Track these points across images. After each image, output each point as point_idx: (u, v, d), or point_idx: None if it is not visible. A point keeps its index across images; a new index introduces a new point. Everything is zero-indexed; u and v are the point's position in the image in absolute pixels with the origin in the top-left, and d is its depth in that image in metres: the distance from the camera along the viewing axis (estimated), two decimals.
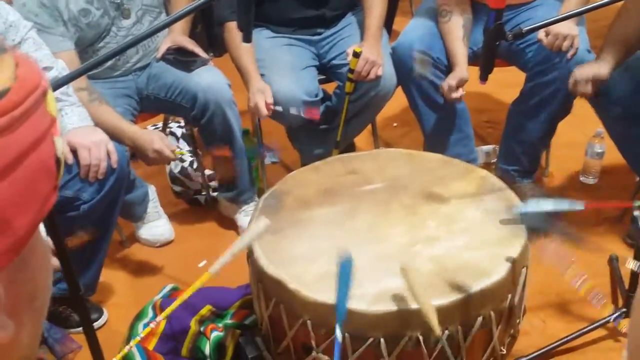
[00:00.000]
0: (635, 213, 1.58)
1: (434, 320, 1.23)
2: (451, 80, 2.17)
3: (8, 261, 0.44)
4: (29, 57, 0.48)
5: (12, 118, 0.42)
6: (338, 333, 1.09)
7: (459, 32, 2.23)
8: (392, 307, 1.34)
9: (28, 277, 0.48)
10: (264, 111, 2.16)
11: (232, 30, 2.24)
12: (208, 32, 3.74)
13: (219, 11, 2.29)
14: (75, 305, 1.63)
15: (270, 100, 2.17)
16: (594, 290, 1.67)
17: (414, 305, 1.33)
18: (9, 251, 0.43)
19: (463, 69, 2.18)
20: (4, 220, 0.42)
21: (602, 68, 1.99)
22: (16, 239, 0.44)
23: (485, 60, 1.44)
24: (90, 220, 1.85)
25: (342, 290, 1.10)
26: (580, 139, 2.59)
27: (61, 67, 1.81)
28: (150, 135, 2.02)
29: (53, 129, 0.47)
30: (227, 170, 2.43)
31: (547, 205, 1.48)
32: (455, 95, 2.16)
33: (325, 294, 1.35)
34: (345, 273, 1.10)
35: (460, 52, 2.21)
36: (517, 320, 1.55)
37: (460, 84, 2.16)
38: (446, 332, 1.35)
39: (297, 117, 2.21)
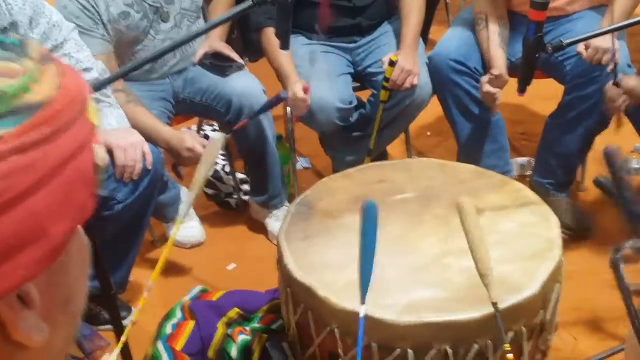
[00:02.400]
0: None
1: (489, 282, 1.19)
2: (493, 71, 2.14)
3: (44, 268, 0.44)
4: (72, 67, 0.49)
5: (54, 127, 0.43)
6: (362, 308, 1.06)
7: (496, 39, 2.21)
8: (421, 318, 1.33)
9: (64, 281, 0.49)
10: (301, 93, 2.16)
11: (270, 35, 2.25)
12: (244, 38, 3.77)
13: (256, 17, 2.31)
14: (105, 303, 1.66)
15: (308, 86, 2.17)
16: None
17: (443, 317, 1.31)
18: (45, 259, 0.44)
19: (503, 69, 2.16)
20: (40, 228, 0.42)
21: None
22: (52, 247, 0.44)
23: (524, 71, 1.43)
24: (123, 220, 1.88)
25: (370, 235, 1.09)
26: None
27: (101, 69, 1.84)
28: (182, 134, 2.05)
29: (93, 138, 0.47)
30: (258, 174, 2.43)
31: None
32: (492, 89, 2.13)
33: (354, 302, 1.33)
34: (370, 217, 1.08)
35: (499, 56, 2.19)
36: (548, 337, 1.52)
37: (500, 81, 2.13)
38: (475, 345, 1.33)
39: (332, 117, 2.23)
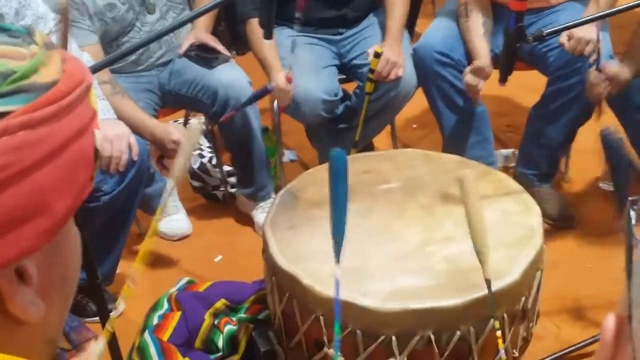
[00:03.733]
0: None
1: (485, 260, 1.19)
2: (476, 62, 2.15)
3: (45, 241, 0.47)
4: (72, 55, 0.52)
5: (59, 107, 0.46)
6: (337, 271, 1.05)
7: (479, 29, 2.23)
8: (405, 305, 1.34)
9: (61, 261, 0.51)
10: (284, 83, 2.18)
11: (255, 26, 2.25)
12: (231, 30, 3.77)
13: (242, 8, 2.31)
14: (92, 294, 1.66)
15: (291, 76, 2.18)
16: None
17: (427, 304, 1.33)
18: (47, 232, 0.46)
19: (486, 60, 2.17)
20: (45, 202, 0.45)
21: (624, 69, 1.97)
22: (54, 221, 0.47)
23: (505, 62, 1.44)
24: (110, 211, 1.88)
25: (341, 189, 1.03)
26: (601, 145, 2.57)
27: (86, 60, 1.84)
28: (169, 127, 2.07)
29: (94, 122, 0.50)
30: (245, 166, 2.44)
31: None
32: (474, 81, 2.14)
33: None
34: (339, 169, 1.03)
35: (482, 47, 2.20)
36: (531, 324, 1.55)
37: (482, 73, 2.15)
38: (458, 332, 1.35)
39: (318, 109, 2.24)
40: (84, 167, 0.49)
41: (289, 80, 2.17)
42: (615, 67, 1.97)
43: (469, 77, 2.15)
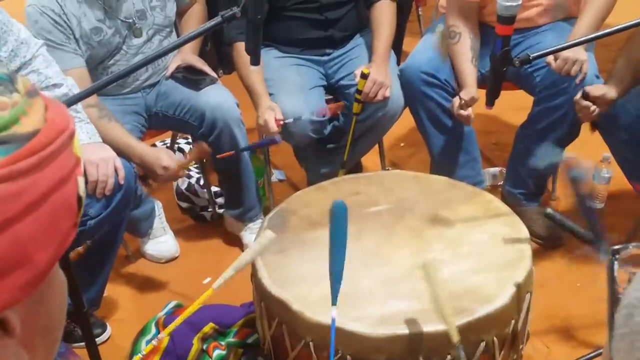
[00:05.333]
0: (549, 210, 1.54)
1: (452, 325, 1.22)
2: (463, 95, 2.16)
3: (27, 294, 0.46)
4: (56, 101, 0.51)
5: (40, 158, 0.45)
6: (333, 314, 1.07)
7: (468, 53, 2.24)
8: (396, 330, 1.34)
9: (45, 309, 0.50)
10: (274, 127, 2.17)
11: (241, 50, 2.25)
12: (218, 50, 3.77)
13: (228, 31, 2.31)
14: (78, 320, 1.64)
15: (280, 116, 2.18)
16: None
17: (417, 329, 1.33)
18: (29, 284, 0.45)
19: (473, 90, 2.18)
20: (25, 254, 0.44)
21: (610, 89, 1.99)
22: (35, 273, 0.46)
23: (492, 86, 1.45)
24: (96, 235, 1.86)
25: (340, 236, 1.08)
26: (587, 163, 2.59)
27: (71, 84, 1.83)
28: (158, 152, 2.03)
29: (77, 169, 0.49)
30: (233, 187, 2.43)
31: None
32: (464, 112, 2.16)
33: (329, 316, 1.35)
34: (340, 218, 1.07)
35: (470, 73, 2.21)
36: (521, 346, 1.54)
37: (471, 102, 2.16)
38: (448, 356, 1.35)
39: (306, 130, 2.23)
40: (67, 216, 0.48)
41: (278, 123, 2.16)
42: (600, 90, 1.98)
43: (459, 111, 2.16)
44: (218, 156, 2.20)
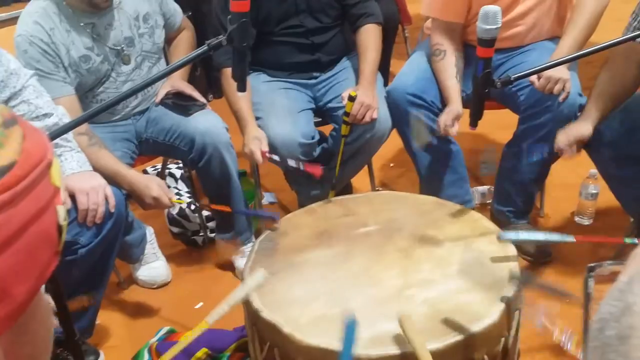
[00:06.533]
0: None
1: None
2: (447, 116, 2.18)
3: (6, 328, 0.45)
4: (35, 129, 0.50)
5: (14, 193, 0.44)
6: None
7: (452, 70, 2.27)
8: (386, 351, 1.34)
9: (27, 339, 0.50)
10: (259, 158, 2.18)
11: (229, 75, 2.28)
12: (208, 75, 3.81)
13: (217, 57, 2.34)
14: (71, 348, 1.64)
15: (266, 148, 2.19)
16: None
17: (408, 349, 1.33)
18: (8, 318, 0.44)
19: (458, 105, 2.21)
20: (2, 289, 0.43)
21: (584, 127, 2.02)
22: (15, 307, 0.45)
23: (474, 107, 1.47)
24: (87, 263, 1.86)
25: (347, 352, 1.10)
26: (575, 180, 2.61)
27: (61, 114, 1.85)
28: (149, 181, 2.03)
29: (56, 199, 0.48)
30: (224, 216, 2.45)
31: (538, 235, 1.51)
32: (451, 131, 2.18)
33: (320, 338, 1.36)
34: (350, 334, 1.11)
35: (453, 88, 2.24)
36: None
37: (456, 119, 2.19)
38: None
39: (295, 152, 2.25)
40: (46, 247, 0.47)
41: (263, 155, 2.18)
42: (576, 131, 2.02)
43: (447, 129, 2.18)
44: (213, 206, 2.23)
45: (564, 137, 2.03)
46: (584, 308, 1.29)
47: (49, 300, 0.54)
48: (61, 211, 0.49)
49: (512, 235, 1.53)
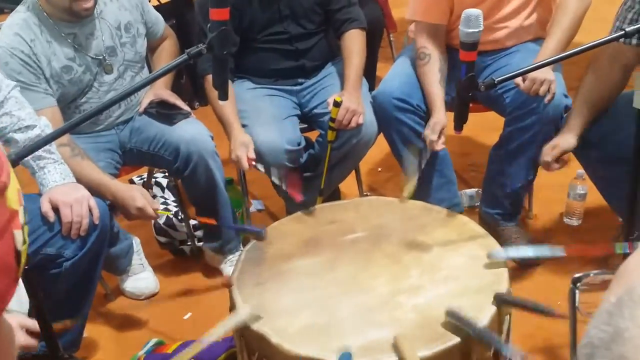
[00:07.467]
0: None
1: None
2: (431, 130, 2.17)
3: None
4: None
5: None
6: None
7: (436, 75, 2.27)
8: (379, 359, 1.33)
9: None
10: (246, 165, 2.16)
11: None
12: (194, 83, 3.78)
13: (200, 64, 2.32)
14: None
15: (252, 155, 2.17)
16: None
17: (401, 357, 1.32)
18: None
19: (441, 114, 2.20)
20: None
21: (568, 140, 2.03)
22: None
23: (458, 110, 1.46)
24: (73, 276, 1.84)
25: None
26: (563, 181, 2.61)
27: (44, 125, 1.82)
28: (133, 192, 1.99)
29: (13, 223, 0.45)
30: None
31: (528, 251, 1.51)
32: (438, 147, 2.17)
33: (308, 348, 1.34)
34: None
35: (437, 95, 2.24)
36: None
37: (441, 131, 2.18)
38: None
39: (282, 159, 2.24)
40: (3, 275, 0.44)
41: (249, 162, 2.16)
42: (559, 148, 2.03)
43: (433, 145, 2.17)
44: (199, 218, 2.22)
45: (549, 153, 2.04)
46: (570, 326, 1.29)
47: (11, 326, 0.51)
48: (19, 236, 0.46)
49: (503, 254, 1.52)
